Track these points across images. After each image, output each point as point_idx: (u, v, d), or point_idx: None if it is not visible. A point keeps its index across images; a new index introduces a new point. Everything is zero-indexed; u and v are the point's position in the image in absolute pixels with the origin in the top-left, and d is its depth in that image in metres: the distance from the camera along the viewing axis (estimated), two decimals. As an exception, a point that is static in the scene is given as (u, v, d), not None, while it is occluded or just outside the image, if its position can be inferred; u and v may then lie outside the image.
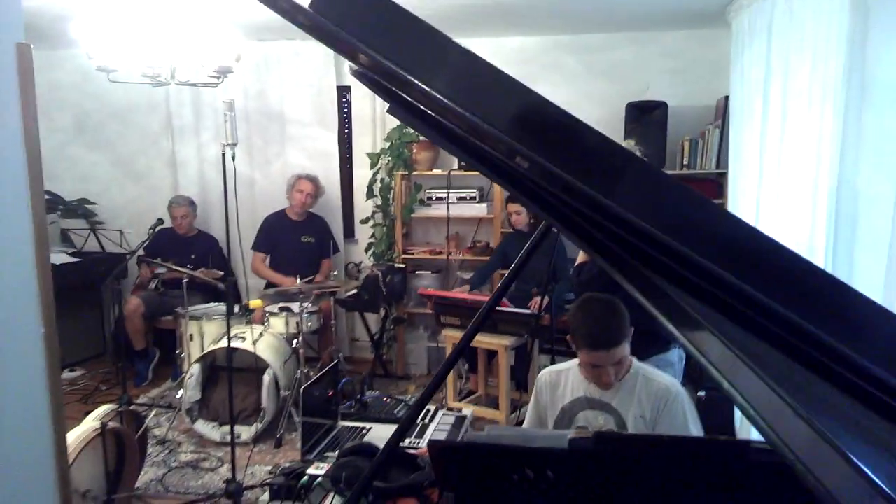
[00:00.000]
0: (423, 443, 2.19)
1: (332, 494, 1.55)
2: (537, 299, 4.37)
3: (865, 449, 0.66)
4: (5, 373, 1.25)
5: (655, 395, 2.15)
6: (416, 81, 0.64)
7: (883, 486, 0.48)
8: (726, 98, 4.53)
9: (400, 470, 1.53)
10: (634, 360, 2.25)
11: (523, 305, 4.40)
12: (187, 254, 5.22)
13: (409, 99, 0.73)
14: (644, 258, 0.64)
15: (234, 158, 2.98)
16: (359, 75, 0.85)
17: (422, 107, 0.76)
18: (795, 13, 2.95)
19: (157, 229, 5.10)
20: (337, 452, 2.23)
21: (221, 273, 4.85)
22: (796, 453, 0.54)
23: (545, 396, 2.36)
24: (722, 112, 4.70)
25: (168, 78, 3.27)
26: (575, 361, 2.32)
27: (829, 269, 2.45)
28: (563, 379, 2.35)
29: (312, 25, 0.65)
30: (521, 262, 1.17)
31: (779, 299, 0.59)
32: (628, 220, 0.63)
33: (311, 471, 1.94)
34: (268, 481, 2.00)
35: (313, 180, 5.27)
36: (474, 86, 0.70)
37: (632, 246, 0.64)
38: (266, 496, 2.00)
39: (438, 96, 0.69)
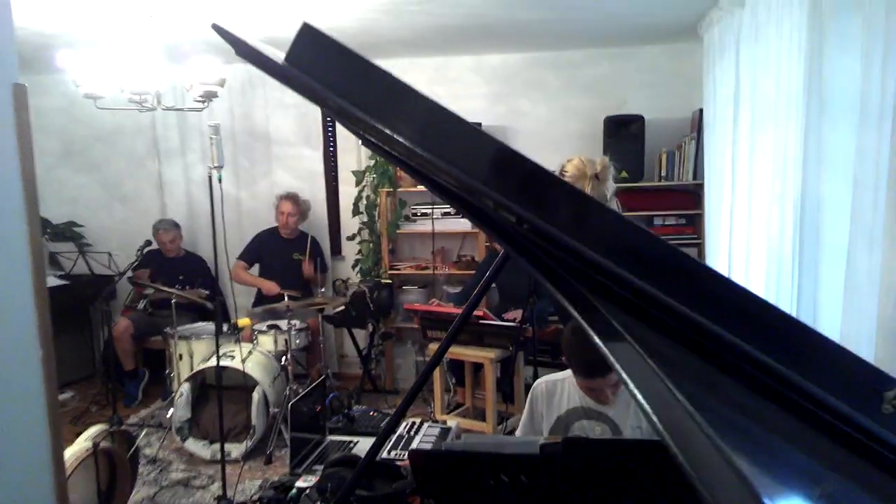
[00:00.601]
0: (415, 444, 2.24)
1: (318, 504, 1.61)
2: (516, 312, 4.46)
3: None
4: (4, 394, 1.31)
5: None
6: (375, 124, 0.72)
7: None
8: (701, 111, 4.64)
9: (383, 480, 1.59)
10: None
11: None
12: (175, 274, 5.27)
13: (371, 139, 0.81)
14: (573, 271, 0.72)
15: (220, 181, 3.04)
16: (331, 114, 0.93)
17: (382, 145, 0.83)
18: (760, 28, 3.06)
19: (145, 251, 5.16)
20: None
21: (206, 293, 4.90)
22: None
23: (540, 405, 2.37)
24: (697, 124, 4.82)
25: (154, 103, 3.34)
26: (569, 372, 2.35)
27: (795, 274, 2.55)
28: (559, 388, 2.37)
29: (287, 78, 0.73)
30: (487, 282, 1.24)
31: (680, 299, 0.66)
32: (564, 241, 0.71)
33: (299, 483, 2.00)
34: (257, 495, 2.05)
35: (292, 198, 5.34)
36: (428, 126, 0.78)
37: (567, 264, 0.72)
38: (256, 509, 2.05)
39: (394, 135, 0.77)
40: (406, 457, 2.25)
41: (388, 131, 0.75)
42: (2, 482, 1.31)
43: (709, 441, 0.54)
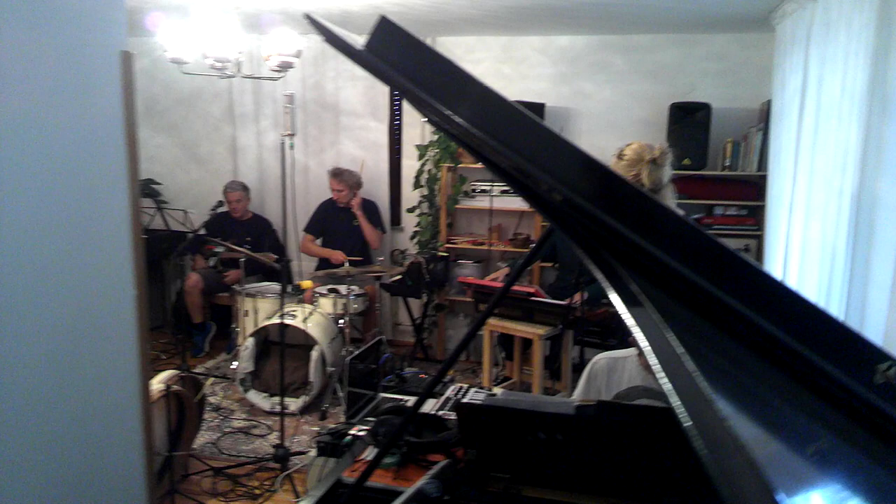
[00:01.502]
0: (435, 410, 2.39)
1: (370, 447, 1.78)
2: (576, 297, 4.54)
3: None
4: (103, 328, 1.51)
5: None
6: (437, 105, 0.85)
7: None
8: (769, 102, 4.60)
9: (431, 431, 1.74)
10: None
11: (565, 296, 4.57)
12: (243, 235, 5.54)
13: (433, 118, 0.94)
14: (623, 257, 0.84)
15: (292, 147, 3.22)
16: (400, 94, 1.06)
17: (442, 124, 0.96)
18: (831, 25, 3.05)
19: (218, 210, 5.44)
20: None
21: (275, 257, 5.16)
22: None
23: (599, 381, 2.43)
24: (765, 116, 4.77)
25: (234, 71, 3.54)
26: (633, 350, 2.42)
27: (847, 269, 2.58)
28: (619, 366, 2.43)
29: (365, 63, 0.86)
30: (527, 259, 1.36)
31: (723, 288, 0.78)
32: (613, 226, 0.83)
33: (353, 431, 2.18)
34: (315, 440, 2.24)
35: (337, 175, 5.48)
36: (483, 109, 0.90)
37: (614, 248, 0.84)
38: (314, 452, 2.25)
39: (453, 116, 0.89)
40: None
41: (447, 112, 0.88)
42: (100, 400, 1.52)
43: (706, 401, 0.66)
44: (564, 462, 1.54)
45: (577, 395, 2.50)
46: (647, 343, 0.70)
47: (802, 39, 3.52)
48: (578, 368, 5.05)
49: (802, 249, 3.42)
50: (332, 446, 2.18)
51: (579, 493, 1.53)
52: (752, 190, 5.05)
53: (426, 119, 1.11)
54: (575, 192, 0.86)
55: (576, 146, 0.88)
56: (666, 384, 0.74)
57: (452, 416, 2.25)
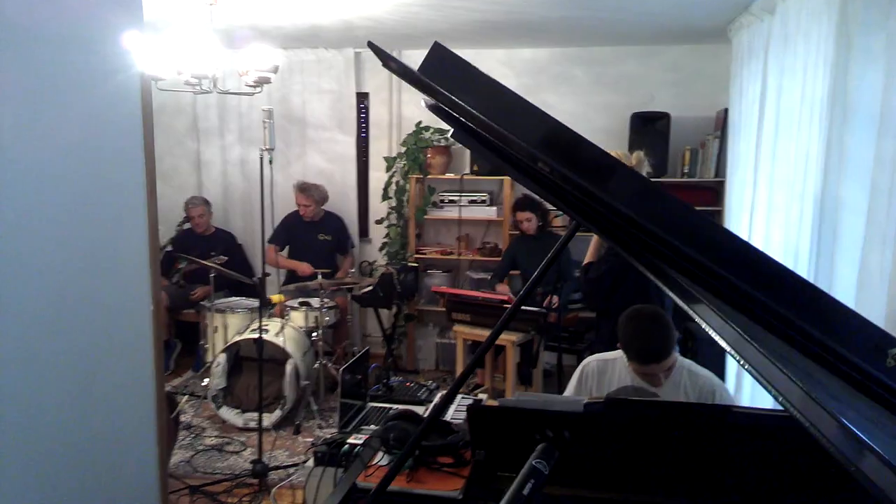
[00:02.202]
0: (447, 417, 2.45)
1: (380, 453, 1.81)
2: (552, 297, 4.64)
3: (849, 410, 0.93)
4: (121, 343, 1.52)
5: (702, 388, 2.33)
6: (490, 122, 0.91)
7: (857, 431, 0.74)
8: (726, 110, 4.79)
9: (438, 433, 1.79)
10: (678, 356, 2.42)
11: (533, 304, 4.67)
12: (207, 250, 5.48)
13: (476, 129, 1.00)
14: (651, 249, 0.91)
15: (271, 163, 3.23)
16: (433, 108, 1.12)
17: (487, 135, 1.03)
18: (789, 37, 3.22)
19: (184, 226, 5.39)
20: (371, 426, 2.51)
21: (225, 258, 5.08)
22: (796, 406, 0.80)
23: (590, 382, 2.50)
24: (721, 123, 4.97)
25: (210, 87, 3.54)
26: (621, 353, 2.47)
27: (811, 270, 2.72)
28: (610, 367, 2.50)
29: (422, 84, 0.92)
30: (550, 260, 1.42)
31: (760, 289, 0.85)
32: (649, 227, 0.90)
33: (350, 440, 2.22)
34: (312, 450, 2.27)
35: (305, 190, 5.48)
36: (525, 119, 0.97)
37: (640, 239, 0.91)
38: (311, 462, 2.27)
39: (499, 128, 0.96)
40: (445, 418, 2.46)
41: (498, 127, 0.94)
42: (117, 420, 1.53)
43: (790, 379, 0.73)
44: (573, 459, 1.60)
45: (567, 395, 2.56)
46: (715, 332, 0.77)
47: (760, 50, 3.70)
48: (549, 374, 5.16)
49: (765, 251, 3.57)
50: (330, 456, 2.21)
51: (588, 489, 1.60)
52: (711, 195, 5.24)
53: (452, 132, 1.17)
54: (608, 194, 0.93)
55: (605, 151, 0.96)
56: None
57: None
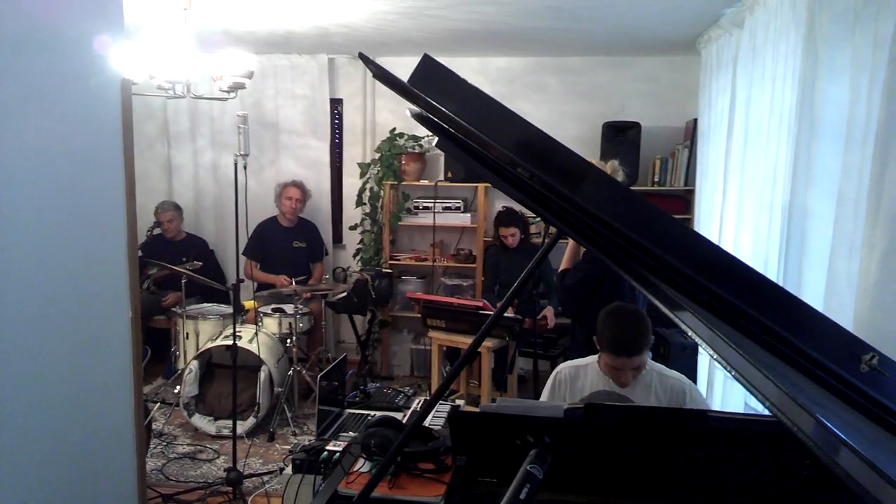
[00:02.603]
0: (425, 423, 2.45)
1: (361, 459, 1.82)
2: (548, 311, 4.70)
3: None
4: (104, 346, 1.51)
5: (672, 389, 2.40)
6: (475, 130, 0.93)
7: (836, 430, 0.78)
8: (695, 121, 4.89)
9: (419, 440, 1.80)
10: (648, 359, 2.47)
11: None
12: (178, 256, 5.41)
13: (462, 137, 1.02)
14: (631, 255, 0.94)
15: (245, 168, 3.22)
16: (418, 117, 1.14)
17: (473, 144, 1.05)
18: (757, 50, 3.30)
19: (154, 231, 5.31)
20: (349, 433, 2.51)
21: (199, 264, 5.04)
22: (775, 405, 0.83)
23: (563, 389, 2.55)
24: (691, 133, 5.07)
25: (184, 92, 3.51)
26: (593, 358, 2.55)
27: (780, 278, 2.79)
28: (582, 373, 2.56)
29: (410, 94, 0.94)
30: (532, 269, 1.45)
31: (736, 296, 0.89)
32: (626, 232, 0.93)
33: (329, 447, 2.22)
34: (290, 457, 2.26)
35: (299, 186, 5.51)
36: (513, 131, 1.00)
37: (621, 246, 0.94)
38: (289, 469, 2.26)
39: (486, 139, 0.98)
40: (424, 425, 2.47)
41: (482, 135, 0.97)
42: (103, 407, 1.51)
43: (771, 382, 0.76)
44: (555, 464, 1.63)
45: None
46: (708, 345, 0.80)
47: (729, 63, 3.79)
48: (524, 379, 5.20)
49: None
50: (309, 463, 2.20)
51: (571, 494, 1.63)
52: (681, 204, 5.34)
53: (437, 141, 1.19)
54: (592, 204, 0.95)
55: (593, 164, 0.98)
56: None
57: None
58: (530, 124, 1.00)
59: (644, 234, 0.94)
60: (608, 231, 0.91)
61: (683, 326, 0.86)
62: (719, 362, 0.82)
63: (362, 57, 1.03)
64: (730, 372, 0.83)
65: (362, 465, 1.78)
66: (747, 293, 0.93)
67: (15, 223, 1.39)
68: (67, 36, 1.54)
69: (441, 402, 3.03)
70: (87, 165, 1.52)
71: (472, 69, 5.65)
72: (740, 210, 3.52)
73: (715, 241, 4.09)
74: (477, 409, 1.66)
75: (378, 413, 2.65)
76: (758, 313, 0.94)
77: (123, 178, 1.49)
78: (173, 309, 5.09)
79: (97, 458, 1.55)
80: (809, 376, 0.93)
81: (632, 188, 5.19)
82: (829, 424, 0.79)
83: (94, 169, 1.52)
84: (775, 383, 0.76)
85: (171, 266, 4.88)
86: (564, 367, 2.63)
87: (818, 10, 2.51)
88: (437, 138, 1.26)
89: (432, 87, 0.97)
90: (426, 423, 2.52)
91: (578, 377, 2.56)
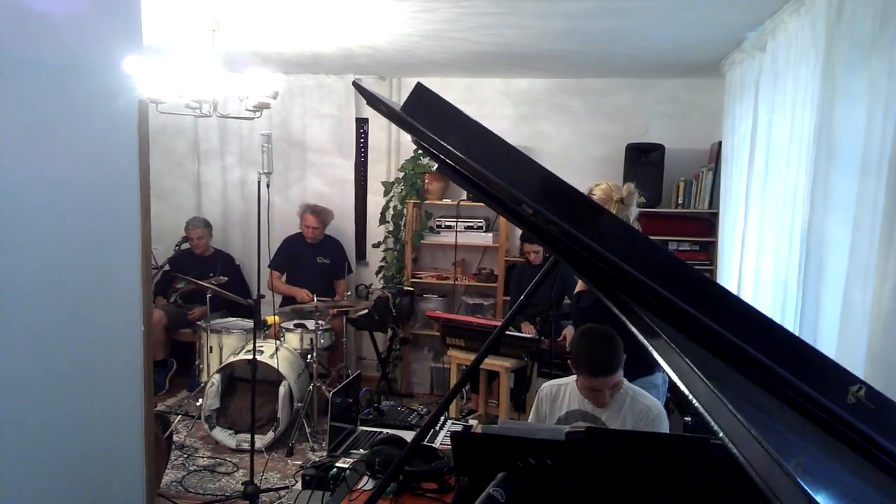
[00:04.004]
0: (437, 443, 2.47)
1: (366, 477, 1.84)
2: (528, 327, 4.69)
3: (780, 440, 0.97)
4: (115, 359, 1.55)
5: (639, 413, 2.45)
6: (463, 156, 0.96)
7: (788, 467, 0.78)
8: (719, 143, 4.86)
9: (423, 460, 1.82)
10: (625, 381, 2.54)
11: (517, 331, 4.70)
12: (206, 271, 5.52)
13: (458, 167, 1.05)
14: (621, 285, 0.95)
15: (268, 186, 3.29)
16: (419, 145, 1.17)
17: (464, 171, 1.07)
18: (779, 74, 3.29)
19: (182, 247, 5.42)
20: (360, 451, 2.53)
21: (225, 279, 5.12)
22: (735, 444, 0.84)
23: (545, 407, 2.64)
24: (715, 156, 5.03)
25: (210, 111, 3.61)
26: (574, 377, 2.61)
27: (798, 304, 2.76)
28: (561, 392, 2.64)
29: (402, 121, 0.97)
30: (530, 293, 1.47)
31: (712, 317, 0.89)
32: (610, 259, 0.95)
33: (339, 464, 2.24)
34: (300, 473, 2.29)
35: (317, 213, 5.57)
36: (501, 158, 1.02)
37: (615, 279, 0.95)
38: (299, 485, 2.29)
39: (476, 166, 1.01)
40: (435, 445, 2.48)
41: (469, 161, 0.99)
42: (106, 439, 1.55)
43: (733, 415, 0.77)
44: (555, 486, 1.63)
45: (529, 421, 2.70)
46: (669, 365, 0.81)
47: (751, 86, 3.77)
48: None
49: (755, 283, 3.62)
50: (318, 479, 2.23)
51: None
52: (704, 226, 5.29)
53: (438, 166, 1.22)
54: (582, 231, 0.97)
55: (582, 193, 1.00)
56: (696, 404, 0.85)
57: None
58: (518, 151, 1.03)
59: (625, 259, 0.95)
60: (587, 254, 0.92)
61: (656, 355, 0.87)
62: (691, 396, 0.83)
63: (356, 85, 1.06)
64: (694, 403, 0.84)
65: (366, 483, 1.80)
66: (730, 321, 0.94)
67: (30, 241, 1.45)
68: (85, 57, 1.61)
69: (454, 421, 3.04)
70: (103, 185, 1.58)
71: (496, 90, 5.69)
72: (761, 234, 3.49)
73: (736, 265, 4.05)
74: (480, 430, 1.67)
75: (388, 431, 2.67)
76: (744, 343, 0.94)
77: (139, 197, 1.55)
78: (198, 322, 5.18)
79: (105, 470, 1.59)
80: (794, 407, 0.93)
81: (655, 210, 5.18)
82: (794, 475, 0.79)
83: (109, 188, 1.57)
84: (739, 418, 0.77)
85: (196, 280, 4.97)
86: (547, 385, 2.71)
87: (836, 36, 2.50)
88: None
89: (424, 115, 1.00)
90: (437, 443, 2.55)
91: (558, 396, 2.63)
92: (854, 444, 0.94)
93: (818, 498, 0.76)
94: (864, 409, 0.93)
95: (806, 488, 0.75)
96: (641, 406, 2.47)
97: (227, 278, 5.18)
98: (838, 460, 0.95)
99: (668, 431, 2.44)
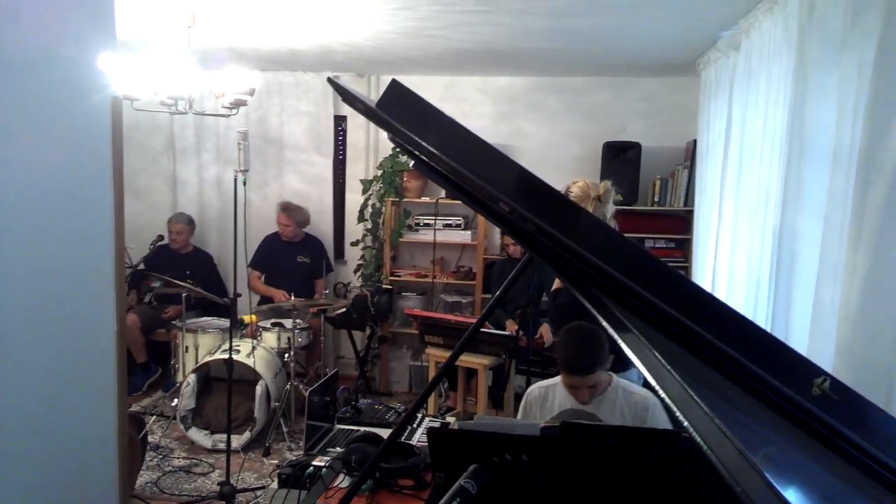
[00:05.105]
0: (414, 440, 2.47)
1: (342, 475, 1.83)
2: (544, 329, 4.69)
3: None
4: (88, 359, 1.53)
5: (636, 405, 2.45)
6: (439, 153, 0.96)
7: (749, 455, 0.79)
8: (695, 141, 4.91)
9: (399, 456, 1.82)
10: (614, 377, 2.54)
11: (501, 328, 4.71)
12: (183, 269, 5.46)
13: (434, 164, 1.04)
14: (595, 282, 0.96)
15: (245, 184, 3.26)
16: (395, 142, 1.17)
17: (440, 168, 1.07)
18: (752, 73, 3.33)
19: (157, 245, 5.36)
20: (337, 449, 2.51)
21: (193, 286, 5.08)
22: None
23: (534, 410, 2.61)
24: (691, 154, 5.09)
25: (186, 107, 3.57)
26: (560, 376, 2.60)
27: (771, 301, 2.80)
28: (551, 393, 2.62)
29: (378, 118, 0.96)
30: (505, 289, 1.47)
31: (676, 308, 0.90)
32: (585, 256, 0.95)
33: (315, 462, 2.23)
34: (276, 472, 2.27)
35: (289, 211, 5.54)
36: (477, 155, 1.02)
37: (589, 275, 0.95)
38: (275, 484, 2.27)
39: (453, 163, 1.01)
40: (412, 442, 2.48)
41: (445, 158, 0.99)
42: (78, 439, 1.53)
43: (700, 409, 0.78)
44: (531, 481, 1.64)
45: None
46: (640, 360, 0.82)
47: (726, 85, 3.81)
48: (520, 397, 5.18)
49: (729, 280, 3.66)
50: (295, 478, 2.21)
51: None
52: (680, 224, 5.34)
53: (413, 163, 1.22)
54: (557, 229, 0.98)
55: (557, 190, 1.01)
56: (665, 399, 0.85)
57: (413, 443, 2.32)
58: (494, 148, 1.03)
59: (599, 255, 0.96)
60: (563, 251, 0.93)
61: (626, 349, 0.88)
62: (660, 389, 0.84)
63: (331, 82, 1.06)
64: (661, 396, 0.85)
65: (342, 481, 1.80)
66: (700, 316, 0.94)
67: (0, 239, 1.43)
68: (58, 53, 1.58)
69: (432, 418, 3.04)
70: (76, 182, 1.56)
71: (475, 88, 5.70)
72: (735, 232, 3.53)
73: (711, 261, 4.10)
74: (450, 428, 1.67)
75: (365, 429, 2.66)
76: (713, 337, 0.95)
77: (112, 194, 1.53)
78: (174, 322, 5.12)
79: (78, 473, 1.57)
80: (761, 399, 0.94)
81: (632, 207, 5.22)
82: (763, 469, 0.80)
83: (82, 185, 1.55)
84: (706, 410, 0.78)
85: (172, 280, 4.92)
86: (534, 388, 2.70)
87: (808, 34, 2.53)
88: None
89: (400, 112, 0.99)
90: (415, 440, 2.54)
91: (548, 397, 2.62)
92: (819, 434, 0.96)
93: (786, 494, 0.77)
94: (829, 400, 0.95)
95: (771, 481, 0.76)
96: (636, 399, 2.47)
97: (199, 280, 5.12)
98: (805, 451, 0.96)
99: (666, 418, 2.44)
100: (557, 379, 2.64)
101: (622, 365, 2.82)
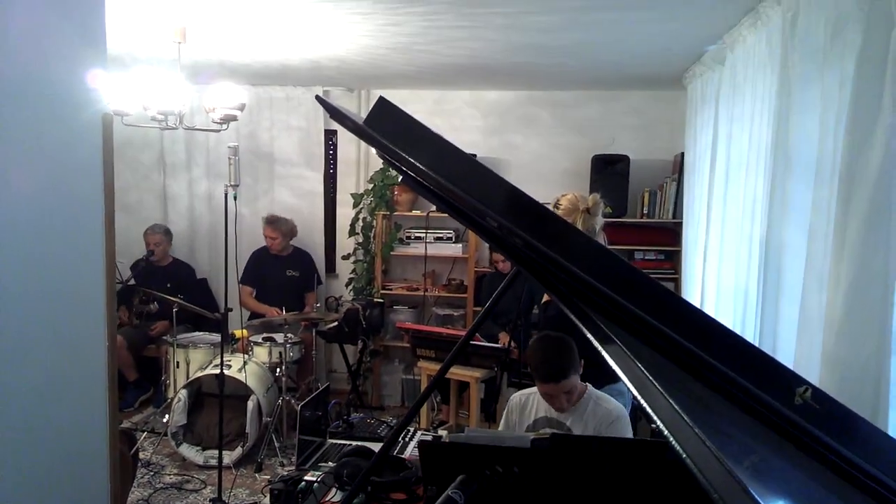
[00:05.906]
0: (406, 454, 2.47)
1: (333, 489, 1.83)
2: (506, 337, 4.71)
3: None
4: (79, 375, 1.53)
5: (601, 417, 2.50)
6: (426, 170, 0.98)
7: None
8: (682, 154, 4.96)
9: (390, 470, 1.82)
10: (589, 387, 2.60)
11: (494, 340, 4.72)
12: (164, 282, 5.43)
13: (422, 181, 1.07)
14: (581, 295, 0.98)
15: (235, 199, 3.27)
16: (384, 159, 1.19)
17: (427, 183, 1.09)
18: (737, 87, 3.38)
19: (140, 263, 5.34)
20: (329, 463, 2.52)
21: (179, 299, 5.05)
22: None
23: (514, 416, 2.68)
24: (679, 167, 5.14)
25: (176, 123, 3.58)
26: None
27: (758, 312, 2.83)
28: (530, 401, 2.68)
29: (366, 135, 0.98)
30: (493, 302, 1.49)
31: (660, 320, 0.92)
32: (572, 270, 0.97)
33: (307, 477, 2.23)
34: (269, 487, 2.27)
35: (273, 223, 5.52)
36: (464, 171, 1.04)
37: (575, 288, 0.97)
38: (267, 500, 2.27)
39: (440, 179, 1.03)
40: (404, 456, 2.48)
41: (432, 174, 1.01)
42: (69, 456, 1.53)
43: (683, 420, 0.79)
44: (522, 493, 1.65)
45: (500, 429, 2.73)
46: (623, 372, 0.84)
47: (712, 99, 3.86)
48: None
49: (717, 291, 3.70)
50: (287, 493, 2.21)
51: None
52: (669, 236, 5.38)
53: (402, 177, 1.24)
54: (542, 242, 1.00)
55: (542, 204, 1.03)
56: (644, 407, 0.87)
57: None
58: (481, 164, 1.05)
59: (585, 269, 0.98)
60: (549, 265, 0.95)
61: (610, 361, 0.90)
62: (643, 401, 0.86)
63: (319, 100, 1.08)
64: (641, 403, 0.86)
65: (334, 495, 1.80)
66: (685, 328, 0.96)
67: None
68: (48, 69, 1.60)
69: (424, 432, 3.04)
70: (66, 198, 1.56)
71: (465, 102, 5.74)
72: (722, 243, 3.57)
73: (699, 273, 4.13)
74: (442, 441, 1.68)
75: (357, 443, 2.67)
76: (697, 348, 0.97)
77: (103, 212, 1.54)
78: (164, 337, 5.10)
79: (69, 490, 1.57)
80: (744, 409, 0.96)
81: (621, 220, 5.25)
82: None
83: (73, 202, 1.56)
84: (684, 418, 0.80)
85: (164, 295, 4.90)
86: (517, 395, 2.76)
87: (791, 49, 2.58)
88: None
89: (388, 128, 1.01)
90: (407, 453, 2.55)
91: (527, 405, 2.67)
92: (801, 443, 0.97)
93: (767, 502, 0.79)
94: (810, 409, 0.97)
95: (753, 493, 0.78)
96: (603, 410, 2.53)
97: (184, 295, 5.09)
98: (787, 460, 0.98)
99: (630, 434, 2.48)
100: (536, 388, 2.70)
101: (613, 376, 2.84)
